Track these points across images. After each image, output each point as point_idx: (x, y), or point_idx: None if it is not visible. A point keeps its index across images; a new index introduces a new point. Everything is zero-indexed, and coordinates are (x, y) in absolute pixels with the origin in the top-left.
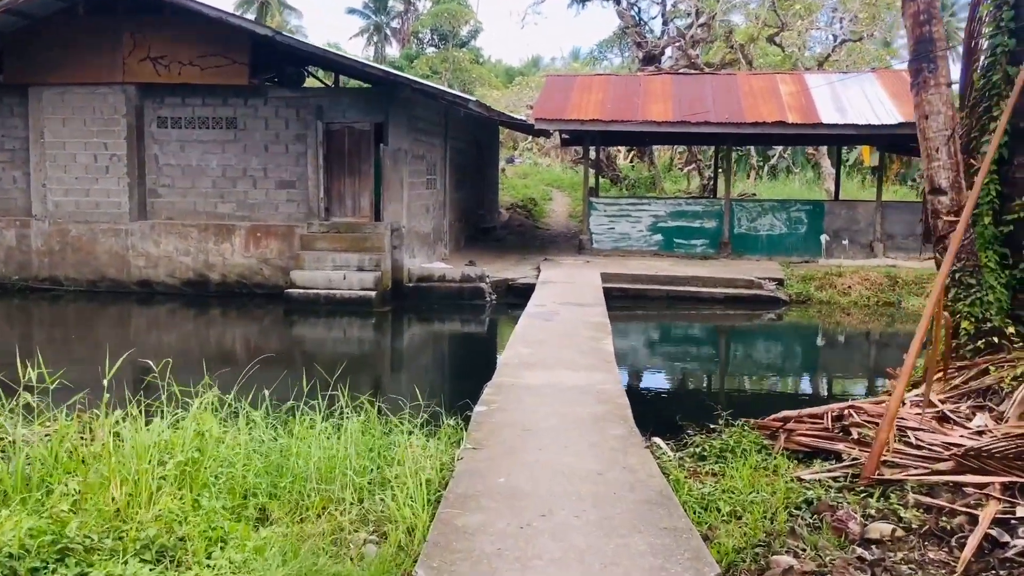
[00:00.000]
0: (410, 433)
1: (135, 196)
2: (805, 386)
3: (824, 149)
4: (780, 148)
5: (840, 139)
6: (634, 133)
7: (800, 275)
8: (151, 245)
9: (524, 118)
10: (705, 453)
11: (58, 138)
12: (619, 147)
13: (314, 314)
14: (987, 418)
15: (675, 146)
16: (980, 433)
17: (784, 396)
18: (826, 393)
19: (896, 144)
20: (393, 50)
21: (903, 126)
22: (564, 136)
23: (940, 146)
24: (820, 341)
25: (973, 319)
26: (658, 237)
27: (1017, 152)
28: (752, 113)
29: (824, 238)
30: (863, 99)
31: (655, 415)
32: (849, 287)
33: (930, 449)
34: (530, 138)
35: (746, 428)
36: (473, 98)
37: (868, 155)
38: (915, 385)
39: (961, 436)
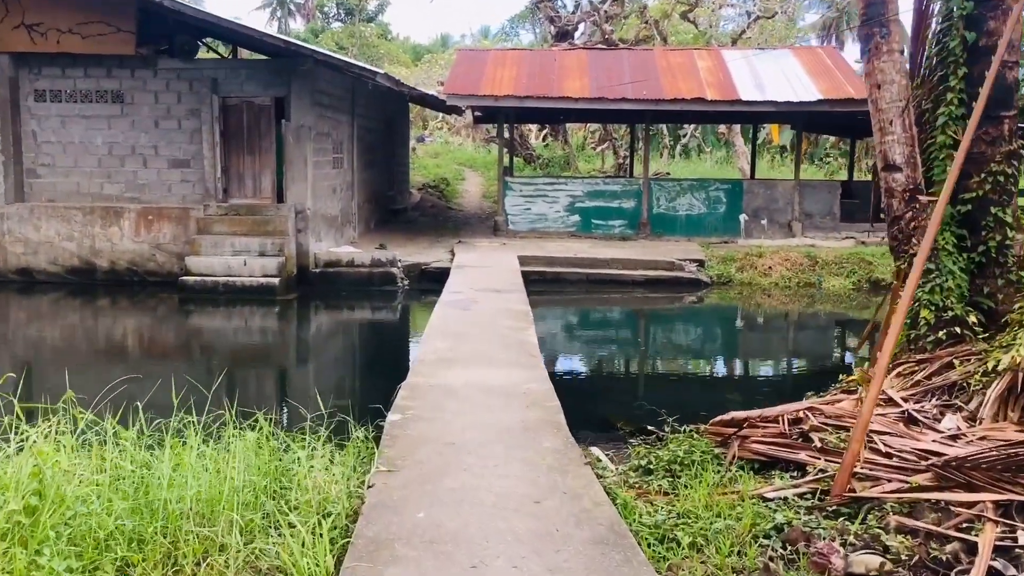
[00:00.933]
0: (313, 450)
1: (11, 176)
2: (740, 373)
3: (737, 128)
4: (691, 127)
5: (759, 116)
6: (550, 110)
7: (720, 256)
8: (30, 230)
9: (435, 94)
10: (652, 466)
11: None
12: (532, 126)
13: (212, 304)
14: (958, 419)
15: (588, 125)
16: (954, 437)
17: (720, 385)
18: (764, 381)
19: (814, 122)
20: (298, 25)
21: (822, 103)
22: (476, 113)
23: (894, 118)
24: (747, 324)
25: (933, 307)
26: (575, 218)
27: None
28: (671, 89)
29: (743, 218)
30: (781, 76)
31: (586, 414)
32: (770, 268)
33: (902, 458)
34: (441, 116)
35: (695, 436)
36: (381, 71)
37: (777, 134)
38: (867, 381)
39: (934, 441)
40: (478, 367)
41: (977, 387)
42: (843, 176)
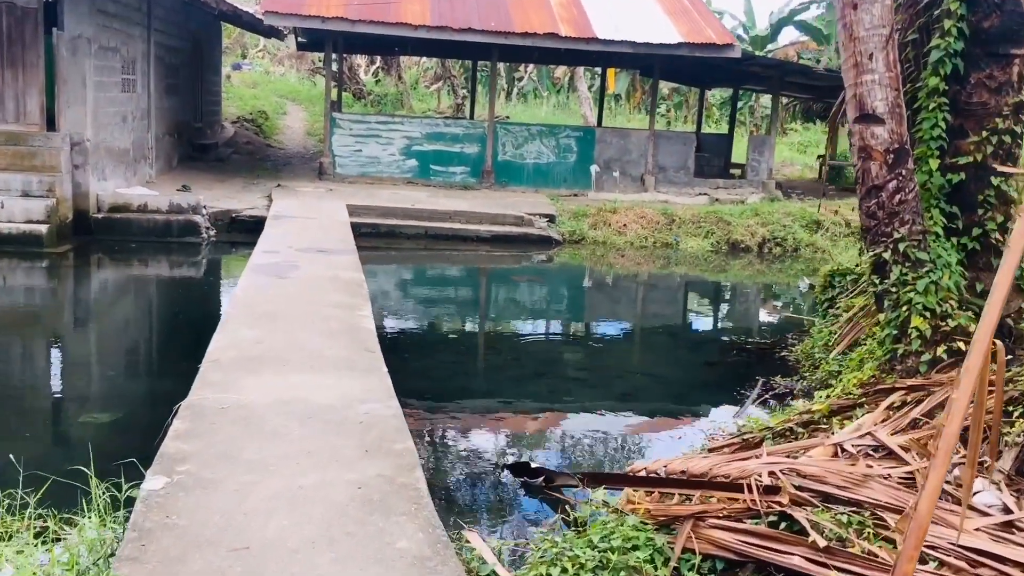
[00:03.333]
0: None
1: None
2: (622, 352)
3: (581, 70)
4: (530, 70)
5: (613, 58)
6: (385, 38)
7: (572, 211)
8: None
9: (252, 12)
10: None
11: None
12: (362, 58)
13: None
14: (996, 491)
15: (423, 61)
16: (1008, 525)
17: (605, 376)
18: (650, 360)
19: (670, 68)
20: None
21: (682, 47)
22: (300, 40)
23: (874, 51)
24: (616, 291)
25: (928, 314)
26: (412, 163)
27: (974, 67)
28: (522, 22)
29: (594, 169)
30: (637, 15)
31: (444, 438)
32: (624, 225)
33: (950, 564)
34: (262, 43)
35: (624, 515)
36: None
37: (613, 80)
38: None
39: (979, 531)
40: (295, 371)
41: (1008, 437)
42: (681, 128)
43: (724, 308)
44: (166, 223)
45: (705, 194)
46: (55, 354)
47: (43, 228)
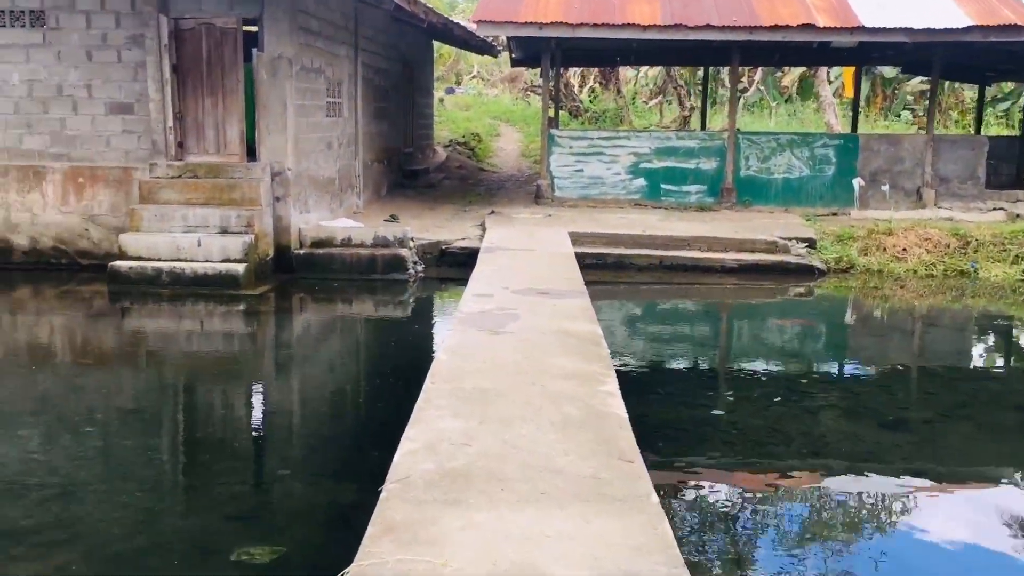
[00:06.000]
0: None
1: None
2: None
3: (823, 74)
4: (757, 78)
5: (876, 51)
6: (606, 47)
7: (834, 233)
8: None
9: (463, 23)
10: None
11: None
12: (580, 69)
13: (152, 299)
14: None
15: (640, 75)
16: None
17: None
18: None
19: (952, 59)
20: None
21: (973, 31)
22: (515, 56)
23: None
24: (900, 334)
25: None
26: (640, 182)
27: None
28: (769, 15)
29: (858, 182)
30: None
31: None
32: (904, 250)
33: None
34: (476, 68)
35: None
36: None
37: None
38: None
39: None
40: (517, 503)
41: None
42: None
43: None
44: (371, 258)
45: (1001, 208)
46: (228, 427)
47: (240, 267)
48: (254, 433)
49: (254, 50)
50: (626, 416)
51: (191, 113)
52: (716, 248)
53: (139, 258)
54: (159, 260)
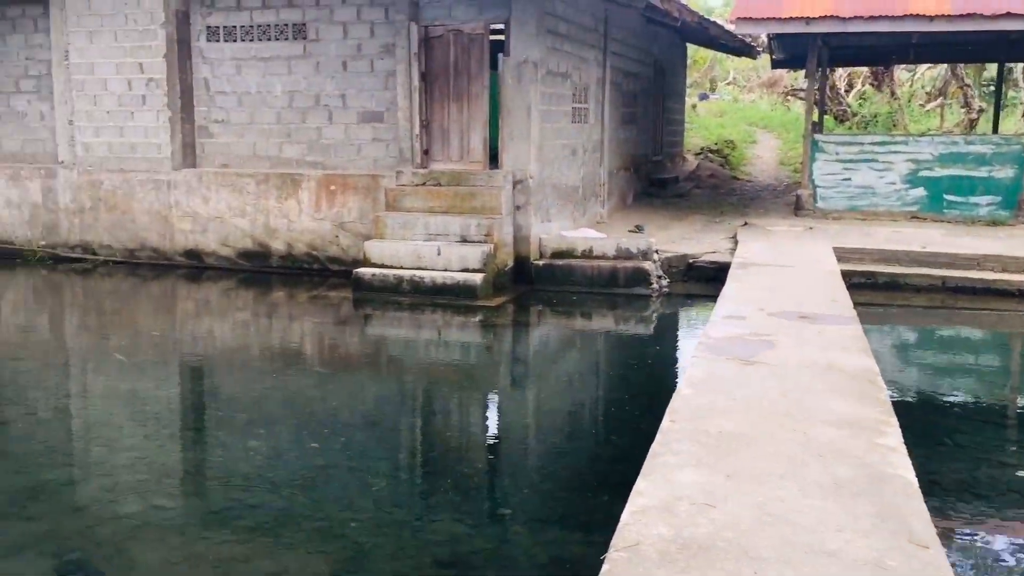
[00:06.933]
0: None
1: (178, 135)
2: None
3: None
4: None
5: None
6: (883, 43)
7: None
8: (199, 202)
9: (721, 22)
10: None
11: (85, 58)
12: (847, 70)
13: (393, 307)
14: None
15: (917, 76)
16: None
17: None
18: None
19: None
20: None
21: None
22: (776, 57)
23: None
24: None
25: None
26: (919, 192)
27: None
28: None
29: None
30: None
31: None
32: None
33: None
34: (731, 74)
35: None
36: None
37: None
38: None
39: None
40: None
41: None
42: None
43: None
44: (612, 271)
45: None
46: (455, 452)
47: (477, 277)
48: (477, 465)
49: (500, 55)
50: (915, 480)
51: (436, 120)
52: (1012, 269)
53: (382, 265)
54: (400, 268)
